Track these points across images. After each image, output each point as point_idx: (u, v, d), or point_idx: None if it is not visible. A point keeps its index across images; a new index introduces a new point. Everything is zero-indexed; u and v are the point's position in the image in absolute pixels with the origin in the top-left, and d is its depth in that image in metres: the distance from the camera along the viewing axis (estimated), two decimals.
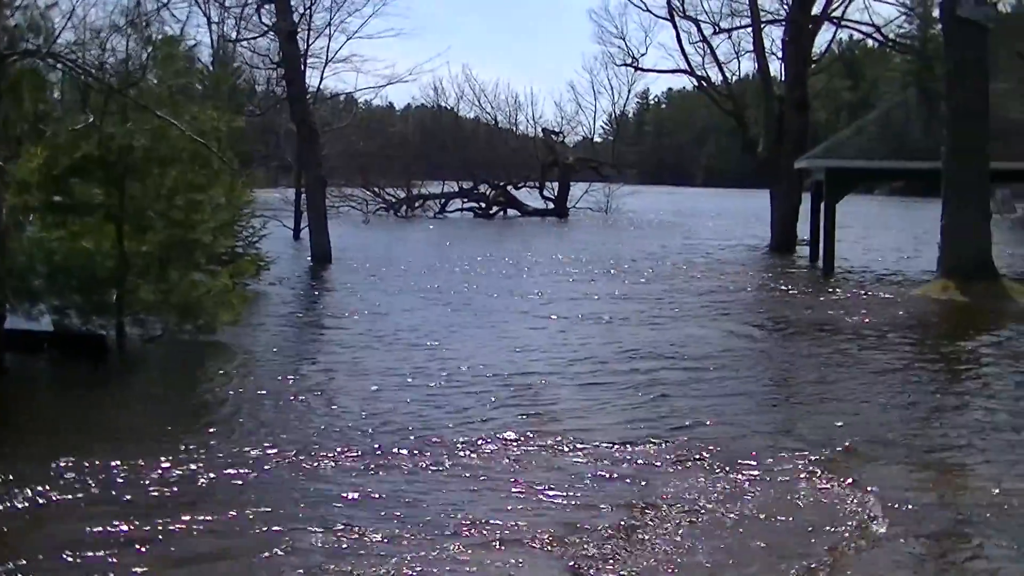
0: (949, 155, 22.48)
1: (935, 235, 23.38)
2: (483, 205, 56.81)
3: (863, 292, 22.35)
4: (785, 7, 38.99)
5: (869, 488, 8.41)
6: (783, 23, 38.41)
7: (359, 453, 9.57)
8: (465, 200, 56.97)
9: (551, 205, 58.06)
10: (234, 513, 7.87)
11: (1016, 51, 61.73)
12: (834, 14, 38.86)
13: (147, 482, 8.57)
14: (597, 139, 73.65)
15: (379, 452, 9.61)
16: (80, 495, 8.24)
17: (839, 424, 10.60)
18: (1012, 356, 14.75)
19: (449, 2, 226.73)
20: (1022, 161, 25.79)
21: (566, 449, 9.74)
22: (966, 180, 22.29)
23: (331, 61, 41.51)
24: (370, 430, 10.38)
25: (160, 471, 8.82)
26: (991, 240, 22.85)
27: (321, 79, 41.36)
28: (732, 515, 7.91)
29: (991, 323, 17.95)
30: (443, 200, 56.53)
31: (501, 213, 56.94)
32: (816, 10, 37.68)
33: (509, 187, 57.89)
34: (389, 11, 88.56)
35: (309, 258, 28.13)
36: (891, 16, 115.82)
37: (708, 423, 10.69)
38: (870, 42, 49.59)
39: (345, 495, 8.40)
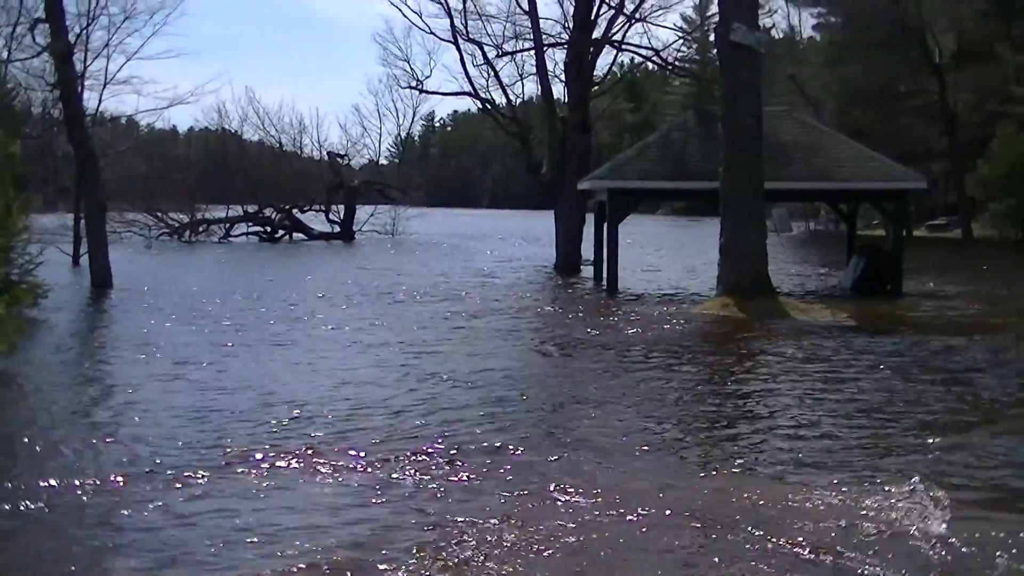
0: (726, 175, 23.10)
1: (715, 253, 23.93)
2: (268, 229, 55.96)
3: (645, 311, 22.68)
4: (567, 31, 39.60)
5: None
6: (565, 46, 38.98)
7: (136, 479, 9.20)
8: (250, 224, 56.02)
9: (337, 228, 57.63)
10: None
11: (788, 74, 63.98)
12: (615, 38, 39.64)
13: None
14: (383, 161, 73.49)
15: (157, 477, 9.23)
16: None
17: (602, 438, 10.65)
18: (778, 371, 15.14)
19: (231, 23, 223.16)
20: (797, 181, 26.69)
21: (350, 470, 9.58)
22: (742, 200, 22.93)
23: (110, 83, 40.03)
24: (146, 455, 9.96)
25: None
26: (767, 258, 23.55)
27: (100, 101, 39.91)
28: (512, 532, 7.81)
29: (764, 338, 18.42)
30: (228, 224, 55.45)
31: (287, 237, 56.16)
32: (597, 34, 38.39)
33: (295, 211, 57.23)
34: (169, 31, 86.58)
35: (89, 285, 27.06)
36: (670, 40, 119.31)
37: (475, 441, 10.59)
38: (651, 65, 50.59)
39: (118, 523, 8.09)
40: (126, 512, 8.44)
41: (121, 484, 9.17)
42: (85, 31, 36.64)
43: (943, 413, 12.12)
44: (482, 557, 7.41)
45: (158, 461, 9.82)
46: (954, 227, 69.48)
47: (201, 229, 54.45)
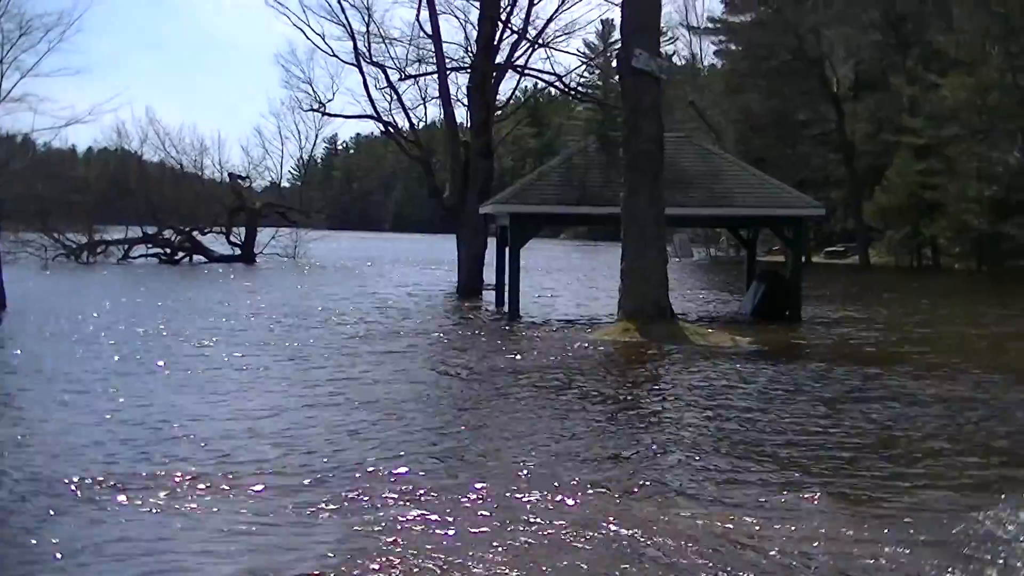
0: (627, 201, 23.12)
1: (617, 279, 23.94)
2: (168, 251, 55.02)
3: (545, 336, 22.58)
4: (470, 55, 39.54)
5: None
6: (468, 71, 38.93)
7: (27, 504, 8.99)
8: (150, 246, 55.00)
9: (238, 251, 56.89)
10: None
11: (689, 101, 64.74)
12: (517, 63, 39.68)
13: None
14: (285, 184, 72.71)
15: (48, 500, 8.99)
16: None
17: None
18: (672, 396, 15.12)
19: (129, 42, 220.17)
20: (697, 207, 26.84)
21: (252, 493, 9.42)
22: (643, 225, 22.95)
23: (4, 100, 39.12)
24: (35, 480, 9.66)
25: None
26: (668, 283, 23.60)
27: None
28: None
29: (661, 364, 18.45)
30: (127, 246, 54.41)
31: (187, 259, 55.27)
32: (500, 58, 38.40)
33: (195, 232, 56.35)
34: (66, 47, 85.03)
35: None
36: (573, 66, 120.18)
37: (370, 467, 10.37)
38: (554, 90, 50.76)
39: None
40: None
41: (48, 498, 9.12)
42: None
43: (825, 439, 12.16)
44: None
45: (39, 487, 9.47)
46: (852, 253, 70.73)
47: (99, 250, 53.33)
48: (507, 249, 28.23)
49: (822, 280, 44.73)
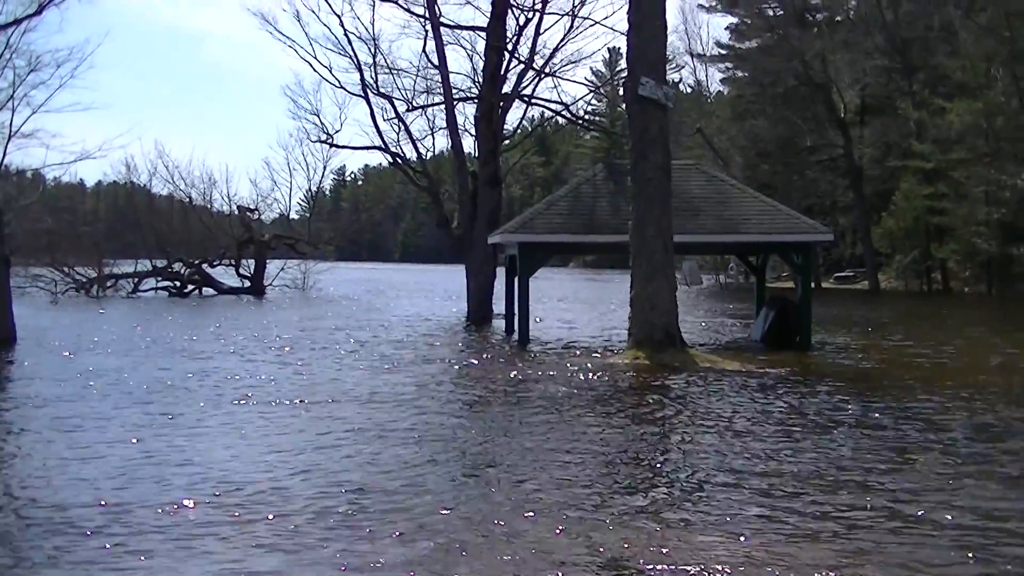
0: (635, 229, 23.13)
1: (626, 306, 23.92)
2: (178, 284, 55.20)
3: (555, 364, 22.53)
4: (477, 85, 39.71)
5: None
6: (475, 101, 39.08)
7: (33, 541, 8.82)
8: (159, 279, 55.24)
9: (247, 283, 57.05)
10: None
11: (696, 128, 64.99)
12: (524, 92, 39.91)
13: None
14: (294, 215, 73.00)
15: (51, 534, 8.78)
16: None
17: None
18: (681, 423, 15.07)
19: (139, 77, 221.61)
20: (706, 234, 26.86)
21: (254, 520, 9.31)
22: (652, 253, 22.96)
23: (15, 136, 39.32)
24: (42, 517, 9.50)
25: None
26: (677, 310, 23.57)
27: (4, 154, 39.20)
28: None
29: (671, 391, 18.37)
30: (136, 279, 54.60)
31: (196, 292, 55.42)
32: (507, 88, 38.59)
33: (204, 265, 56.56)
34: (76, 84, 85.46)
35: None
36: (579, 94, 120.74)
37: (390, 492, 10.32)
38: (561, 119, 50.95)
39: None
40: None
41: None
42: None
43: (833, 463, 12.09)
44: None
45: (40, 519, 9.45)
46: (861, 278, 70.69)
47: (109, 284, 53.52)
48: (516, 278, 28.24)
49: (832, 306, 44.69)
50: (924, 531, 9.25)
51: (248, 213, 61.15)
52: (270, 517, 9.68)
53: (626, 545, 8.79)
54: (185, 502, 10.21)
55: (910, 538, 9.02)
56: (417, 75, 42.15)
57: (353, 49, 42.17)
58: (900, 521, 9.57)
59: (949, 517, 9.68)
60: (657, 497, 10.65)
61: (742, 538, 8.99)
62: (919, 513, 9.82)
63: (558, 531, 9.20)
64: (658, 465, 12.23)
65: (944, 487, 10.94)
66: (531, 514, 9.77)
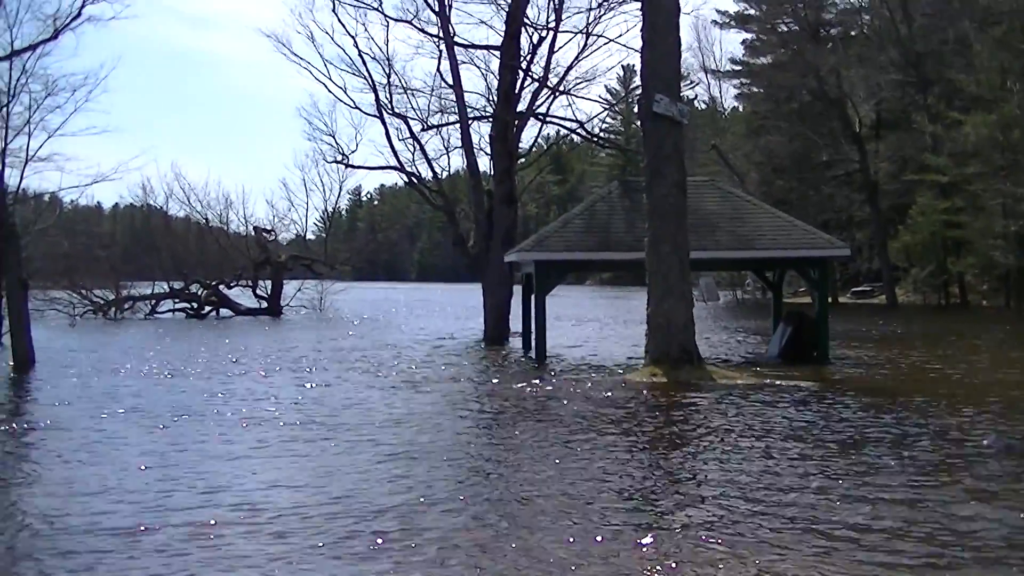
0: (651, 246, 23.14)
1: (643, 323, 23.91)
2: (195, 305, 55.39)
3: (574, 381, 22.52)
4: (492, 104, 39.79)
5: None
6: (490, 119, 39.14)
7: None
8: (176, 300, 55.44)
9: (264, 304, 57.14)
10: None
11: (711, 144, 64.97)
12: (539, 110, 39.97)
13: None
14: (310, 236, 73.19)
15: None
16: None
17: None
18: (699, 440, 15.05)
19: (153, 100, 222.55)
20: (722, 250, 26.87)
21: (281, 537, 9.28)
22: (668, 269, 22.97)
23: (31, 160, 39.40)
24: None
25: None
26: (694, 327, 23.54)
27: (21, 178, 39.22)
28: None
29: (689, 408, 18.34)
30: (153, 301, 54.78)
31: (214, 313, 55.57)
32: (521, 107, 38.62)
33: (221, 286, 56.73)
34: (92, 107, 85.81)
35: (11, 364, 26.44)
36: (594, 112, 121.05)
37: (411, 506, 10.32)
38: (576, 137, 51.01)
39: None
40: None
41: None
42: (6, 108, 36.06)
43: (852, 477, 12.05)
44: None
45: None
46: (879, 293, 70.46)
47: (126, 306, 53.70)
48: (532, 296, 28.27)
49: (849, 321, 44.55)
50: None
51: (264, 234, 61.32)
52: (306, 541, 9.69)
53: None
54: (212, 523, 10.25)
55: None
56: (432, 94, 42.28)
57: (367, 69, 42.38)
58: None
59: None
60: (700, 518, 10.64)
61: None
62: None
63: (605, 560, 9.17)
64: (690, 487, 12.22)
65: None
66: (571, 540, 9.75)
